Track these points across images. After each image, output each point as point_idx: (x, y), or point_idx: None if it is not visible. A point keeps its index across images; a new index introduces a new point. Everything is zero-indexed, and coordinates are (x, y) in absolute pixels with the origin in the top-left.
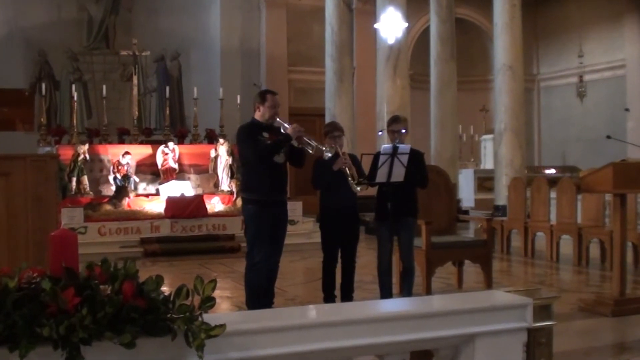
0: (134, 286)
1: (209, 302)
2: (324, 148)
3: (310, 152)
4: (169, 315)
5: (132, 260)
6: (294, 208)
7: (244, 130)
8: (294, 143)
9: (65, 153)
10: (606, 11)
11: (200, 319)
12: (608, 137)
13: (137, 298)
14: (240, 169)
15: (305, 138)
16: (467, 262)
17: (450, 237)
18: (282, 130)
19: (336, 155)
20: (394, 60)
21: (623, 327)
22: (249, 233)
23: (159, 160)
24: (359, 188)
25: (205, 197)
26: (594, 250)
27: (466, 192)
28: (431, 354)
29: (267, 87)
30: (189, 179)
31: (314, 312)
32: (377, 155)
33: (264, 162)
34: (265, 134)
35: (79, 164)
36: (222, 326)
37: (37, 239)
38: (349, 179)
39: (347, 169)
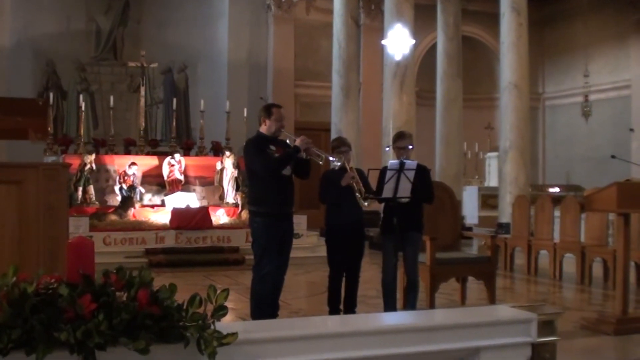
0: (149, 294)
1: (221, 311)
2: (332, 158)
3: (320, 162)
4: (182, 323)
5: (147, 268)
6: (299, 222)
7: (252, 144)
8: (302, 155)
9: (72, 162)
10: (612, 31)
11: (212, 327)
12: (613, 156)
13: (152, 305)
14: (246, 182)
15: (313, 149)
16: (470, 278)
17: (455, 253)
18: (288, 142)
19: (343, 170)
20: (400, 76)
21: (625, 346)
22: (257, 246)
23: (165, 171)
24: (366, 203)
25: (210, 209)
26: (597, 269)
27: (470, 209)
28: None
29: (274, 101)
30: (194, 190)
31: (323, 323)
32: (383, 170)
33: (272, 175)
34: (272, 147)
35: (85, 173)
36: (234, 334)
37: (49, 247)
38: (357, 194)
39: (354, 184)
